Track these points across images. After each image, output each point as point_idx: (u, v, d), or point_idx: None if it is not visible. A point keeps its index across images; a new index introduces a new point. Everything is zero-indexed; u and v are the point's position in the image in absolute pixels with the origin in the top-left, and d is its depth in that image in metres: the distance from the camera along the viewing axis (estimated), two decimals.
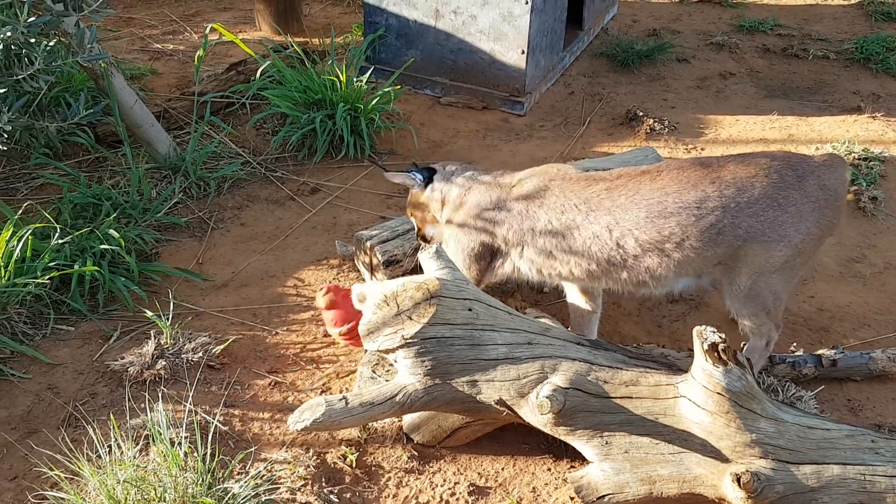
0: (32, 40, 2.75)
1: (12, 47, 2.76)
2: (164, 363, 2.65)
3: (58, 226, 2.98)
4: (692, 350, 2.11)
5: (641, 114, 4.27)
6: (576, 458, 2.35)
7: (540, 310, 2.75)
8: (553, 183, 2.52)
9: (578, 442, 2.19)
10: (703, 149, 4.07)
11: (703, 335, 2.03)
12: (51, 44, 2.98)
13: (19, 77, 2.86)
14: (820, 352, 2.72)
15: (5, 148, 2.94)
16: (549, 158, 3.95)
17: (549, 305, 3.04)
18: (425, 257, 2.33)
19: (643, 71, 4.80)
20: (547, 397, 2.12)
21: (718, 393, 2.03)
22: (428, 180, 2.69)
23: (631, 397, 2.15)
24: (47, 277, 2.81)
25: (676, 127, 4.23)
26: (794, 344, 2.85)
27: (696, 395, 2.07)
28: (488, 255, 2.58)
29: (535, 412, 2.16)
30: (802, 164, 2.38)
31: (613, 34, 5.17)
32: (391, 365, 2.54)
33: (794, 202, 2.31)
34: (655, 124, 4.19)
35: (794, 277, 2.44)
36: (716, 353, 2.02)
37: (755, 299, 2.41)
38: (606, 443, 2.15)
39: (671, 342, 2.87)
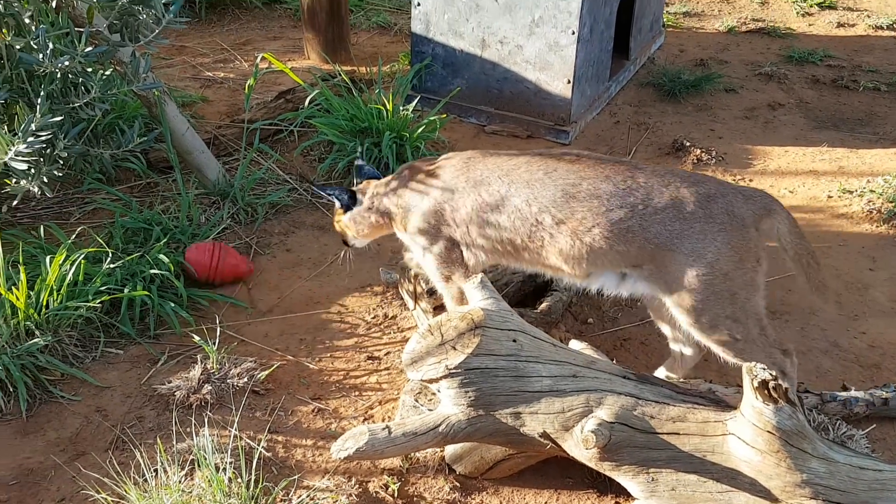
0: (89, 69, 2.83)
1: (69, 76, 2.84)
2: (210, 388, 2.67)
3: (109, 250, 3.04)
4: (741, 386, 2.07)
5: (688, 144, 4.23)
6: (621, 493, 2.32)
7: (584, 341, 2.73)
8: (475, 156, 2.59)
9: (624, 478, 2.16)
10: (751, 179, 4.02)
11: (754, 372, 1.99)
12: (107, 73, 3.06)
13: (76, 105, 2.94)
14: (871, 390, 2.66)
15: (61, 174, 3.01)
16: None
17: (594, 336, 3.02)
18: (470, 287, 2.33)
19: (690, 101, 4.77)
20: (592, 431, 2.10)
21: (768, 431, 1.99)
22: (348, 207, 2.80)
23: (678, 433, 2.11)
24: (98, 301, 2.87)
25: (724, 157, 4.19)
26: (845, 381, 2.79)
27: (745, 432, 2.04)
28: (454, 249, 2.63)
29: (580, 446, 2.14)
30: (715, 186, 2.40)
31: (660, 64, 5.15)
32: (434, 394, 2.53)
33: (699, 219, 2.32)
34: (703, 154, 4.16)
35: (738, 304, 2.37)
36: (766, 391, 1.98)
37: (706, 329, 2.38)
38: (653, 479, 2.12)
39: (719, 377, 2.82)
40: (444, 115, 4.28)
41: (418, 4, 4.38)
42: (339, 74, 4.44)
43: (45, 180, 2.91)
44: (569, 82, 4.18)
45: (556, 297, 3.01)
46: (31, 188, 2.86)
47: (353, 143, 3.93)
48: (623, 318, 3.14)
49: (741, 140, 4.39)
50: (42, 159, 2.92)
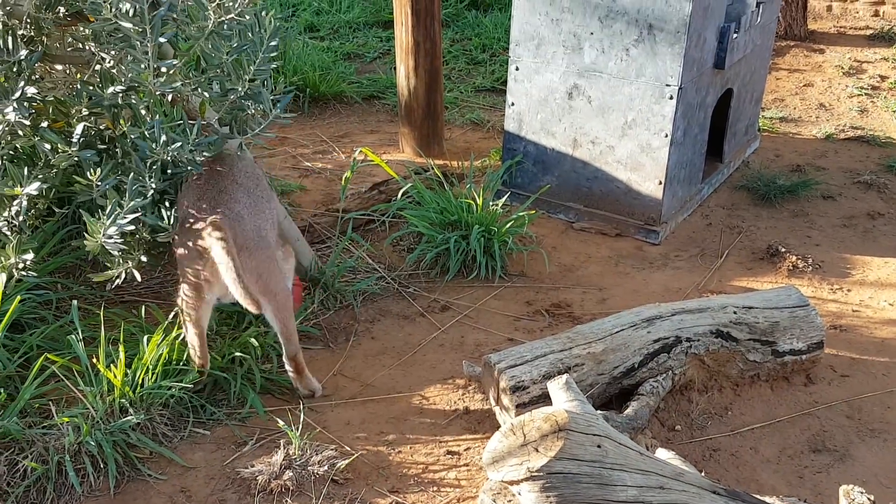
0: (198, 159, 2.98)
1: (179, 164, 2.99)
2: (291, 474, 2.69)
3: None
4: None
5: (783, 250, 4.15)
6: None
7: (671, 450, 2.65)
8: None
9: None
10: (849, 290, 3.90)
11: (851, 495, 1.90)
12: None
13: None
14: None
15: (146, 259, 3.12)
16: (683, 289, 3.88)
17: (681, 445, 2.93)
18: (555, 387, 2.31)
19: (785, 206, 4.69)
20: None
21: None
22: None
23: None
24: (190, 381, 2.94)
25: (821, 266, 4.08)
26: None
27: None
28: None
29: None
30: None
31: (755, 168, 5.11)
32: (514, 495, 2.48)
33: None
34: (798, 262, 4.06)
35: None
36: None
37: None
38: None
39: (813, 495, 2.69)
40: (533, 211, 4.32)
41: (512, 104, 4.49)
42: (432, 168, 4.55)
43: (131, 264, 3.03)
44: (660, 183, 4.18)
45: (643, 402, 2.94)
46: (123, 272, 2.96)
47: (442, 235, 3.99)
48: (712, 426, 3.04)
49: (839, 249, 4.27)
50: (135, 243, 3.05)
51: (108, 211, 2.74)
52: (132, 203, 2.77)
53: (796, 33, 7.26)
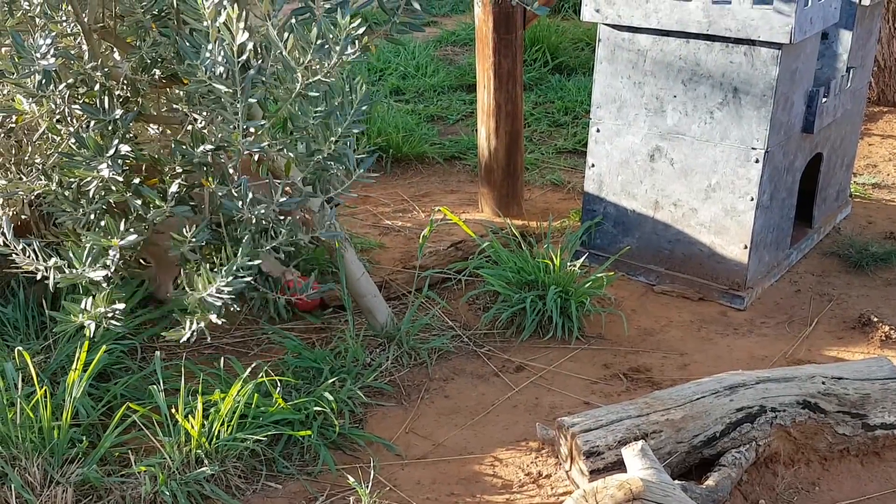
0: (281, 217, 3.05)
1: (263, 222, 3.07)
2: None
3: (279, 383, 3.17)
4: None
5: (876, 319, 3.97)
6: None
7: None
8: None
9: None
10: None
11: None
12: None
13: (265, 249, 3.16)
14: None
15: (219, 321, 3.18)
16: (770, 357, 3.74)
17: None
18: (630, 454, 2.24)
19: (879, 274, 4.51)
20: None
21: None
22: None
23: None
24: (263, 435, 2.97)
25: None
26: None
27: None
28: None
29: None
30: None
31: (846, 234, 4.94)
32: None
33: None
34: (891, 332, 3.88)
35: None
36: None
37: None
38: None
39: None
40: (612, 273, 4.26)
41: (592, 165, 4.48)
42: (510, 228, 4.56)
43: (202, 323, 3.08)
44: (745, 247, 4.08)
45: (725, 473, 2.83)
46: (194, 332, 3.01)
47: (518, 295, 3.97)
48: (799, 502, 2.90)
49: None
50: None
51: (225, 267, 2.81)
52: (251, 263, 2.83)
53: (889, 99, 7.07)
